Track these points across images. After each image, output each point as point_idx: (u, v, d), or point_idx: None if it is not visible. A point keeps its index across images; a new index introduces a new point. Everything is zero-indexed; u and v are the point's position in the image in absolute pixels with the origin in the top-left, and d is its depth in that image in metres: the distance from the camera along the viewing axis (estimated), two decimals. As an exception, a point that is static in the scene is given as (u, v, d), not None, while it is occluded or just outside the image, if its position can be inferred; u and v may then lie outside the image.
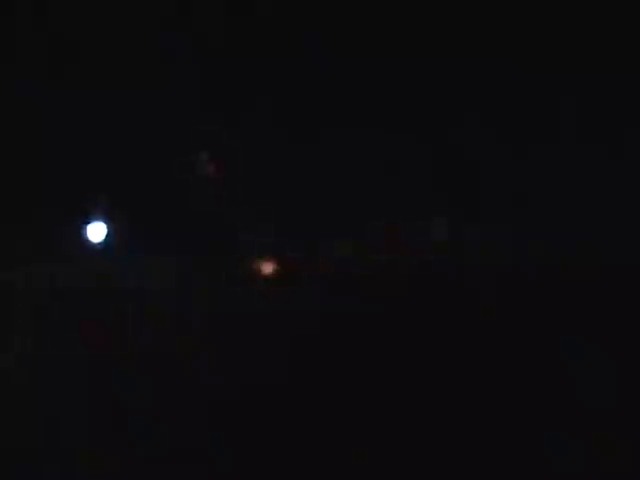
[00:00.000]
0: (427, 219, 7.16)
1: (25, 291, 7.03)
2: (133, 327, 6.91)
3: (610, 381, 6.61)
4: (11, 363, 6.80)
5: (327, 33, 7.08)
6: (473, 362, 6.75)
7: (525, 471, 6.37)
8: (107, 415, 6.64)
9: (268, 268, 7.12)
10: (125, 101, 7.09)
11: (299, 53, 7.08)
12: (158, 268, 7.07)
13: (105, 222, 7.13)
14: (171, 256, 7.11)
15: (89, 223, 7.13)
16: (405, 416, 6.60)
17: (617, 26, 7.00)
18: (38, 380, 6.74)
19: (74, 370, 6.76)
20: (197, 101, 7.14)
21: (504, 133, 7.14)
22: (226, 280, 7.06)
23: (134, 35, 7.10)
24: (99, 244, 7.12)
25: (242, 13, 7.14)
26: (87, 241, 7.15)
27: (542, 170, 7.13)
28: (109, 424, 6.61)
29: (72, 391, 6.71)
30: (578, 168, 7.06)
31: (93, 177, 7.14)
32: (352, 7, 7.10)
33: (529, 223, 7.10)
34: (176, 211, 7.16)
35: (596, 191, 7.08)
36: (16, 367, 6.79)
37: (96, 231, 7.12)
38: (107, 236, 7.12)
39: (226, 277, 7.08)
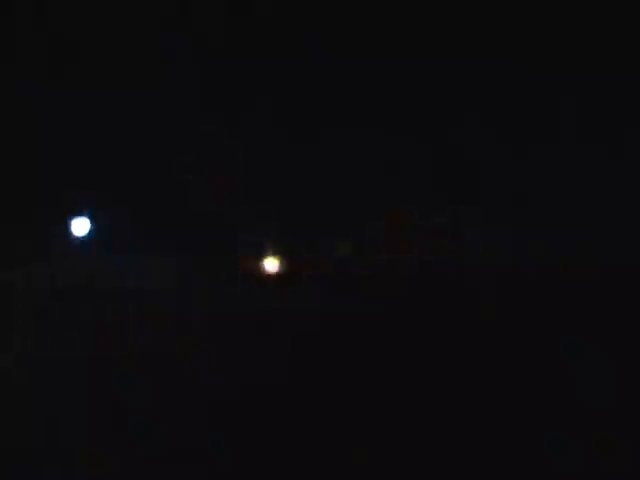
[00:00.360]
0: (427, 219, 7.17)
1: (25, 291, 7.02)
2: (133, 327, 6.91)
3: (610, 381, 6.61)
4: (11, 363, 6.79)
5: (327, 33, 7.08)
6: (473, 361, 6.75)
7: (525, 471, 6.37)
8: (107, 415, 6.64)
9: (268, 268, 7.12)
10: (125, 101, 7.09)
11: (299, 53, 7.08)
12: (158, 268, 7.07)
13: (91, 218, 7.14)
14: (171, 256, 7.11)
15: (75, 218, 7.13)
16: (405, 415, 6.60)
17: (617, 26, 7.00)
18: (38, 380, 6.73)
19: (74, 370, 6.76)
20: (197, 101, 7.14)
21: (504, 133, 7.14)
22: (226, 280, 7.06)
23: (134, 35, 7.10)
24: (83, 238, 7.12)
25: (242, 13, 7.13)
26: (86, 240, 7.15)
27: (542, 170, 7.12)
28: (109, 424, 6.61)
29: (72, 391, 6.71)
30: (578, 168, 7.06)
31: (93, 177, 7.14)
32: (352, 7, 7.10)
33: (529, 223, 7.10)
34: (176, 211, 7.16)
35: (596, 191, 7.08)
36: (16, 367, 6.79)
37: (80, 226, 7.12)
38: (91, 231, 7.11)
39: (226, 277, 7.07)
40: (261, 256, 7.12)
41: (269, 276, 7.10)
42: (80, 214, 7.13)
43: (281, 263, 7.11)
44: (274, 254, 7.12)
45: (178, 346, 6.85)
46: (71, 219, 7.15)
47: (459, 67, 7.09)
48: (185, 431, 6.60)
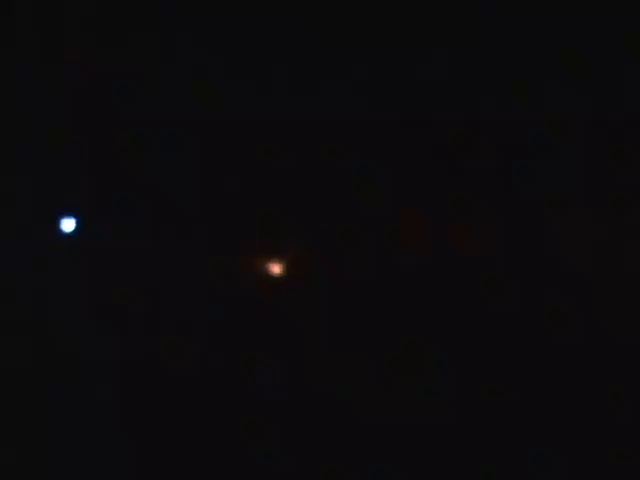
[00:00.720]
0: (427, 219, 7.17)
1: (24, 290, 7.02)
2: (134, 327, 6.91)
3: (609, 380, 6.63)
4: (11, 363, 6.79)
5: (326, 32, 7.09)
6: (474, 362, 6.76)
7: (526, 471, 6.39)
8: (107, 415, 6.64)
9: (270, 268, 7.12)
10: (125, 100, 7.09)
11: (299, 49, 7.09)
12: (158, 267, 7.06)
13: (89, 218, 7.15)
14: (171, 255, 7.10)
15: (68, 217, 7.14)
16: (406, 415, 6.62)
17: (617, 25, 7.01)
18: (38, 380, 6.73)
19: (74, 370, 6.76)
20: (197, 101, 7.14)
21: (504, 133, 7.15)
22: (226, 280, 7.06)
23: (133, 35, 7.10)
24: (70, 235, 7.13)
25: (242, 13, 7.13)
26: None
27: (542, 170, 7.14)
28: (109, 424, 6.61)
29: (72, 391, 6.71)
30: (578, 168, 7.08)
31: (92, 176, 7.14)
32: (352, 7, 7.11)
33: (530, 223, 7.12)
34: (176, 211, 7.16)
35: (596, 191, 7.10)
36: (16, 367, 6.79)
37: (68, 225, 7.13)
38: (83, 230, 7.13)
39: (226, 277, 7.07)
40: (263, 256, 7.12)
41: (270, 276, 7.11)
42: (73, 213, 7.14)
43: (282, 263, 7.12)
44: (275, 254, 7.13)
45: (178, 346, 6.85)
46: (65, 218, 7.16)
47: (458, 67, 7.10)
48: (185, 431, 6.60)
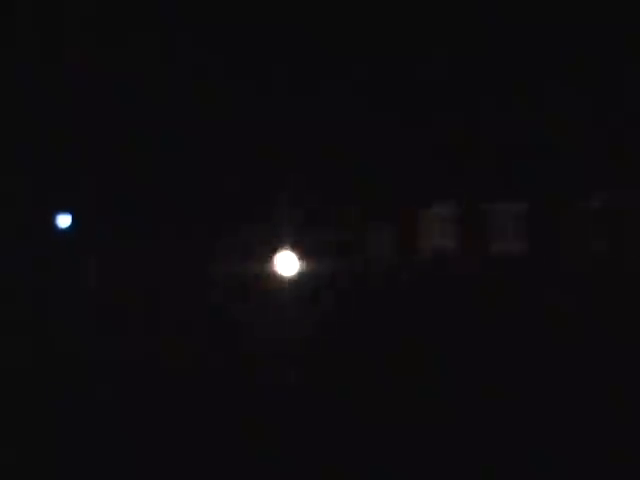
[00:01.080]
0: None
1: (24, 290, 7.01)
2: (134, 327, 6.91)
3: (609, 380, 6.62)
4: (11, 363, 6.78)
5: (326, 32, 7.09)
6: (474, 361, 6.76)
7: (526, 471, 6.38)
8: (107, 414, 6.63)
9: (270, 268, 7.12)
10: (125, 100, 7.09)
11: (299, 52, 7.09)
12: (160, 268, 7.06)
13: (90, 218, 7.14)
14: (171, 255, 7.10)
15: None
16: (406, 414, 6.61)
17: (617, 25, 7.01)
18: (38, 380, 6.73)
19: (74, 370, 6.75)
20: (197, 100, 7.13)
21: (504, 133, 7.15)
22: (229, 280, 7.05)
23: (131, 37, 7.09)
24: (69, 234, 7.12)
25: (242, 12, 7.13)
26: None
27: (542, 170, 7.14)
28: (109, 423, 6.60)
29: (72, 390, 6.70)
30: (578, 168, 7.08)
31: (92, 175, 7.13)
32: (352, 7, 7.10)
33: (530, 223, 7.12)
34: (176, 211, 7.16)
35: (596, 191, 7.10)
36: (16, 367, 6.78)
37: (64, 221, 7.12)
38: (76, 228, 7.12)
39: (229, 277, 7.06)
40: (265, 256, 7.12)
41: (272, 276, 7.11)
42: (72, 212, 7.14)
43: (283, 263, 7.12)
44: (277, 254, 7.12)
45: (178, 347, 6.85)
46: (64, 217, 7.15)
47: (458, 66, 7.10)
48: (185, 430, 6.59)
